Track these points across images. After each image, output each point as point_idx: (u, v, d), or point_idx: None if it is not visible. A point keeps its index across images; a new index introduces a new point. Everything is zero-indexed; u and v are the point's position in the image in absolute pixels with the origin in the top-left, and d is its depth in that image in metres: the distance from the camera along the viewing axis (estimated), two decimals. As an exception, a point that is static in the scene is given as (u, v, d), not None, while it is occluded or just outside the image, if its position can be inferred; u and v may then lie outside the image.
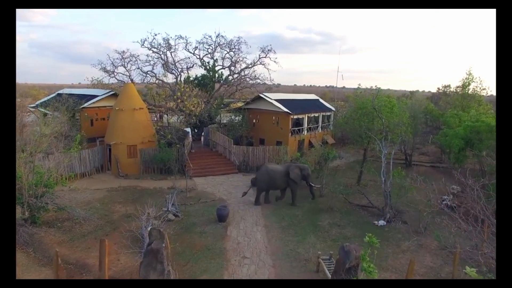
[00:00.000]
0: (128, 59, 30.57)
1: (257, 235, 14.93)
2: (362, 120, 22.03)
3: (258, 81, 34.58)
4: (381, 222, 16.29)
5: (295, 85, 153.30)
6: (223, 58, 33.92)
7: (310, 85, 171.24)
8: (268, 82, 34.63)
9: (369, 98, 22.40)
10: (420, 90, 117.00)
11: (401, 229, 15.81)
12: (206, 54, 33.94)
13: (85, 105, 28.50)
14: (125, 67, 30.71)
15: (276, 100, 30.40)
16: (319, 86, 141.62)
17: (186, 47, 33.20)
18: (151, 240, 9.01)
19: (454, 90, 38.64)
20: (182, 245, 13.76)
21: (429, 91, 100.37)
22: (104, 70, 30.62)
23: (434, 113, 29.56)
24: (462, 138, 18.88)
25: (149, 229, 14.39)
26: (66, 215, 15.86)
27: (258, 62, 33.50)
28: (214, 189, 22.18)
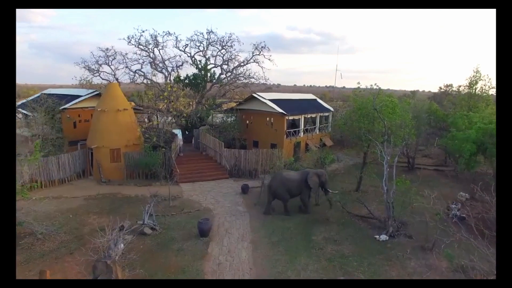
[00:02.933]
0: (112, 57, 28.76)
1: (242, 254, 13.11)
2: (361, 121, 20.22)
3: (253, 80, 32.80)
4: (383, 237, 14.47)
5: (295, 85, 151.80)
6: (214, 56, 32.16)
7: (310, 85, 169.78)
8: (263, 81, 32.81)
9: (369, 97, 20.62)
10: (421, 90, 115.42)
11: (405, 244, 13.98)
12: (198, 52, 32.19)
13: (66, 106, 26.78)
14: (109, 66, 28.92)
15: (270, 100, 28.65)
16: (319, 86, 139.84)
17: (176, 44, 31.45)
18: (96, 275, 7.23)
19: (457, 89, 37.00)
20: (154, 266, 11.99)
21: (429, 91, 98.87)
22: (88, 68, 28.79)
23: (438, 114, 27.70)
24: (474, 142, 16.97)
25: (117, 247, 12.72)
26: (29, 230, 14.10)
27: (252, 60, 31.71)
28: (201, 197, 20.38)
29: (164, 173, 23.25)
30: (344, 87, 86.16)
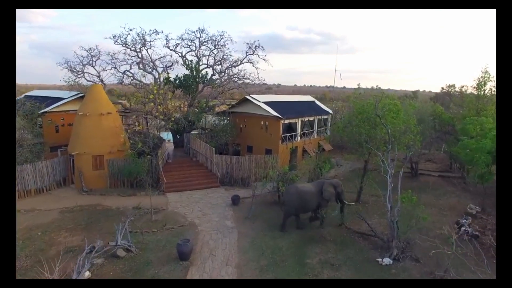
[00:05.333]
0: (96, 57, 27.04)
1: (225, 282, 11.44)
2: (362, 126, 18.53)
3: (248, 81, 31.06)
4: (387, 260, 12.78)
5: (295, 85, 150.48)
6: (207, 56, 30.44)
7: (311, 86, 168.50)
8: (258, 82, 31.05)
9: (370, 100, 18.95)
10: (421, 90, 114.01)
11: (412, 270, 12.30)
12: (189, 52, 30.48)
13: (47, 109, 25.12)
14: (93, 66, 27.18)
15: (265, 102, 26.95)
16: (319, 86, 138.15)
17: (166, 43, 29.72)
18: None
19: (459, 90, 35.34)
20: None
21: (430, 91, 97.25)
22: (70, 69, 27.06)
23: (443, 117, 25.99)
24: (489, 152, 15.22)
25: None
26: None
27: (245, 60, 29.97)
28: (187, 209, 18.71)
29: (150, 182, 21.61)
30: (344, 87, 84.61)
